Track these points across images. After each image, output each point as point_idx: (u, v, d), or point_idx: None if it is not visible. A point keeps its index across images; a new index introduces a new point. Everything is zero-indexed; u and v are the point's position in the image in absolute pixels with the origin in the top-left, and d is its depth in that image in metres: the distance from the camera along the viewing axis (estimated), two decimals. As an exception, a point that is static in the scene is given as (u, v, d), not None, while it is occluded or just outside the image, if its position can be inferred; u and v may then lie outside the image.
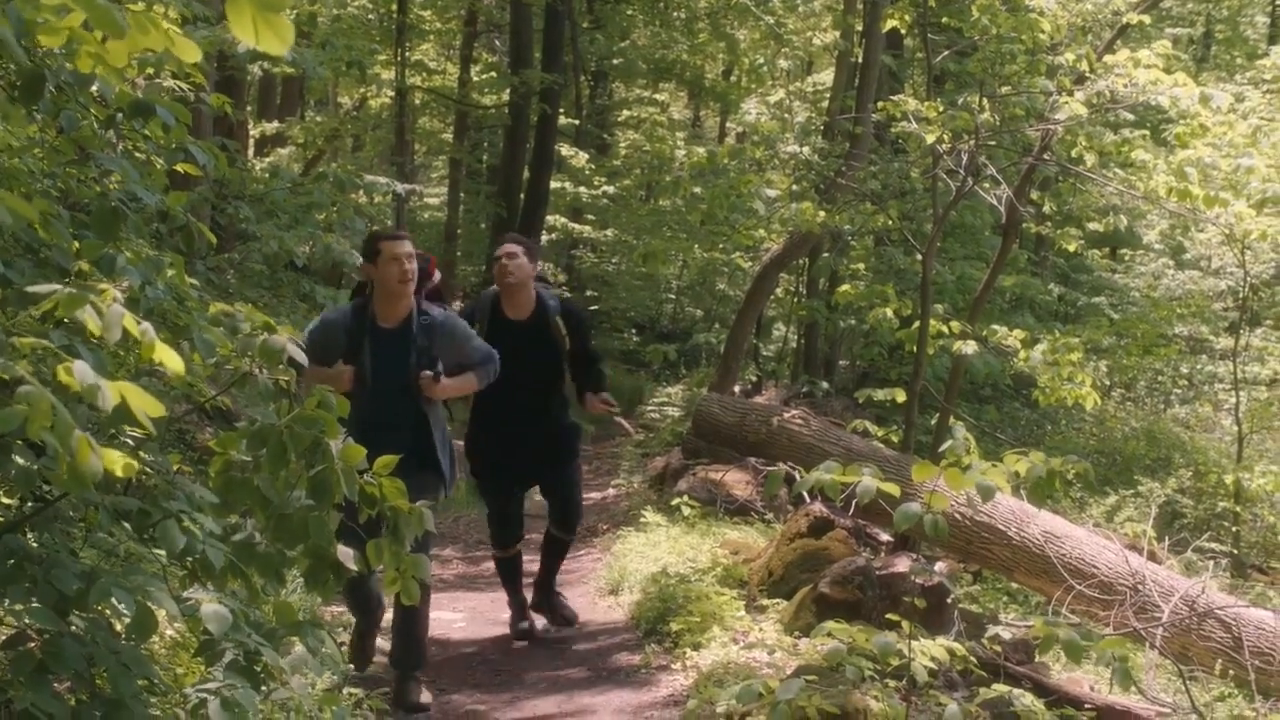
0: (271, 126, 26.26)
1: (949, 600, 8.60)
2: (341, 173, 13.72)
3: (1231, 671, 9.40)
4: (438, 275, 8.28)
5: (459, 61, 30.78)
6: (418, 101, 30.82)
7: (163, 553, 4.10)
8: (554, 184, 28.01)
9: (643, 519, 12.72)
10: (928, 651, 5.94)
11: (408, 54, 28.12)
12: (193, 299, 4.59)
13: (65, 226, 4.25)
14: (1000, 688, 6.20)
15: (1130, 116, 17.39)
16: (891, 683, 6.73)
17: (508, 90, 27.11)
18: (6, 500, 4.47)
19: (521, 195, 27.37)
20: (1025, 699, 6.01)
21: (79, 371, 3.09)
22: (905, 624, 5.88)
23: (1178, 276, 27.09)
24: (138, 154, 5.70)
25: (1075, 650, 5.01)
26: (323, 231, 12.57)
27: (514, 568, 9.45)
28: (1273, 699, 8.68)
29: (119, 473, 3.17)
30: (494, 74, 30.21)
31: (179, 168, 5.47)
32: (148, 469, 3.89)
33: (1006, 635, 6.92)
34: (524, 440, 9.01)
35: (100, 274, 3.89)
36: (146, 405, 3.21)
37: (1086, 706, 7.22)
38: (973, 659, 6.78)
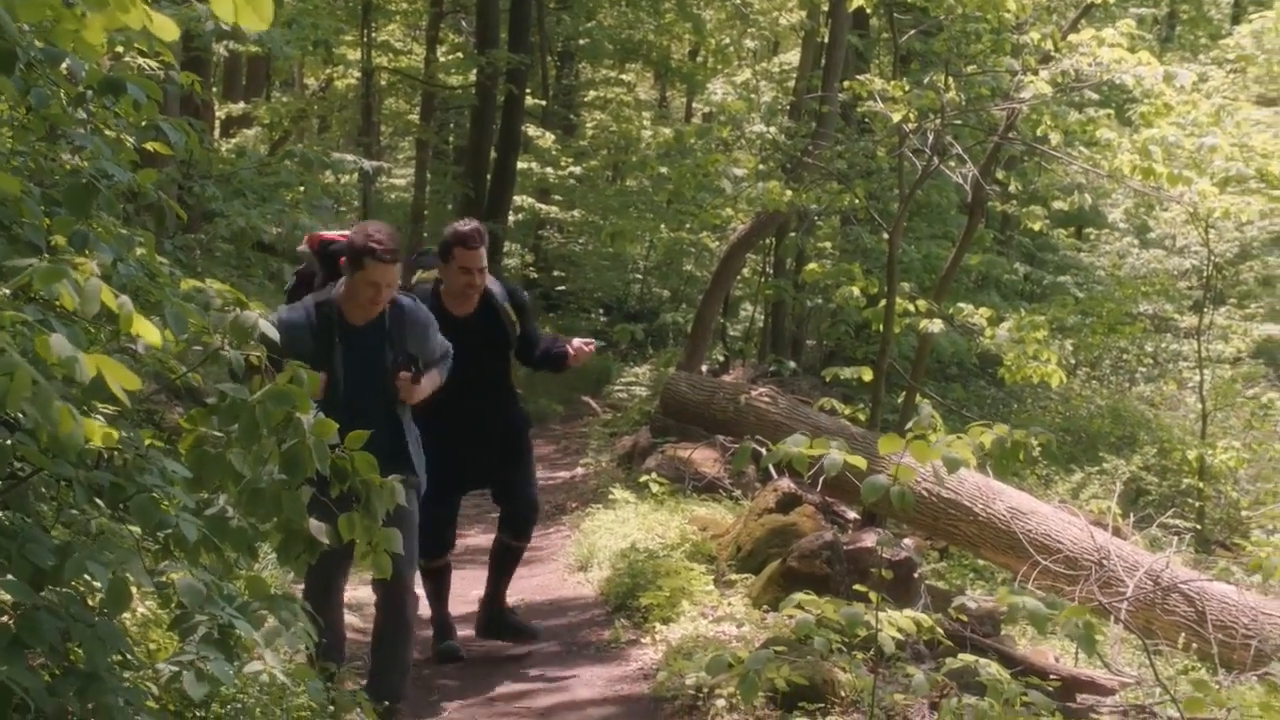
0: (238, 107, 26.19)
1: (915, 575, 8.68)
2: (309, 152, 13.72)
3: (1195, 645, 9.50)
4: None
5: (425, 42, 30.64)
6: (384, 82, 30.71)
7: (136, 529, 4.12)
8: (521, 164, 27.99)
9: (611, 496, 12.77)
10: (895, 623, 6.00)
11: (374, 34, 28.04)
12: (164, 275, 4.61)
13: (37, 204, 4.27)
14: (966, 658, 6.26)
15: (1095, 96, 17.48)
16: (859, 654, 6.80)
17: (474, 71, 27.05)
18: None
19: (488, 176, 27.34)
20: (990, 668, 6.07)
21: (56, 344, 3.13)
22: (873, 596, 5.94)
23: (1142, 255, 27.24)
24: (108, 132, 5.71)
25: (1040, 619, 5.08)
26: (290, 210, 12.57)
27: (444, 580, 8.47)
28: (1235, 671, 8.77)
29: (98, 442, 3.22)
30: (460, 54, 30.13)
31: (149, 146, 5.49)
32: (120, 445, 3.90)
33: (972, 605, 6.98)
34: (476, 441, 8.21)
35: (73, 249, 3.89)
36: (122, 378, 3.26)
37: (1051, 677, 7.30)
38: (939, 630, 6.85)
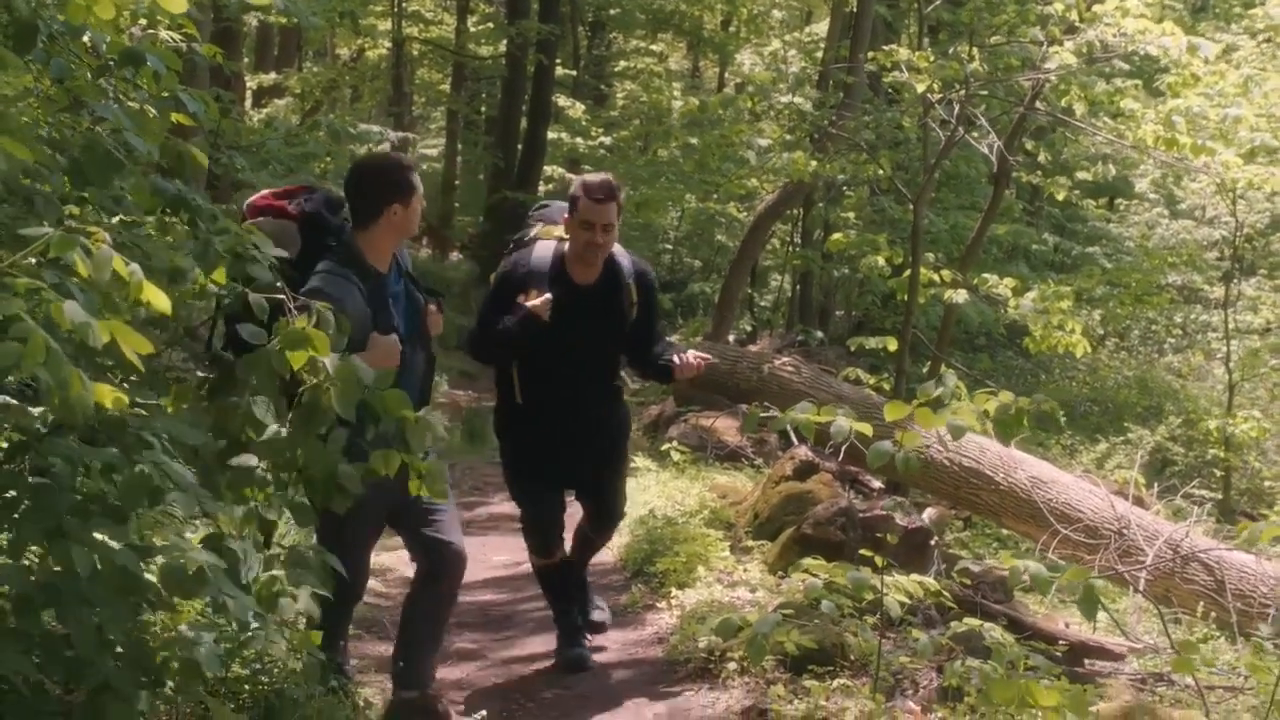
0: (269, 78, 26.33)
1: (931, 542, 8.75)
2: (338, 123, 13.82)
3: (1214, 614, 9.55)
4: None
5: (456, 12, 30.80)
6: (415, 52, 30.89)
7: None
8: (551, 135, 28.09)
9: (633, 464, 12.86)
10: (901, 587, 6.09)
11: (404, 4, 28.15)
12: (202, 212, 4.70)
13: (60, 173, 4.38)
14: (971, 622, 6.35)
15: (1125, 66, 17.44)
16: (869, 619, 6.90)
17: (505, 41, 27.19)
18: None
19: (519, 146, 27.49)
20: (995, 633, 6.16)
21: (69, 310, 3.24)
22: (879, 560, 6.03)
23: (1171, 226, 27.18)
24: (130, 103, 5.81)
25: (1042, 581, 5.16)
26: (318, 180, 12.66)
27: (561, 577, 7.69)
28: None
29: (108, 405, 3.32)
30: (491, 25, 30.25)
31: (173, 118, 5.59)
32: (129, 410, 3.98)
33: (975, 569, 7.09)
34: (577, 434, 7.25)
35: (96, 216, 3.97)
36: (135, 343, 3.36)
37: (1060, 642, 7.38)
38: (946, 594, 6.95)
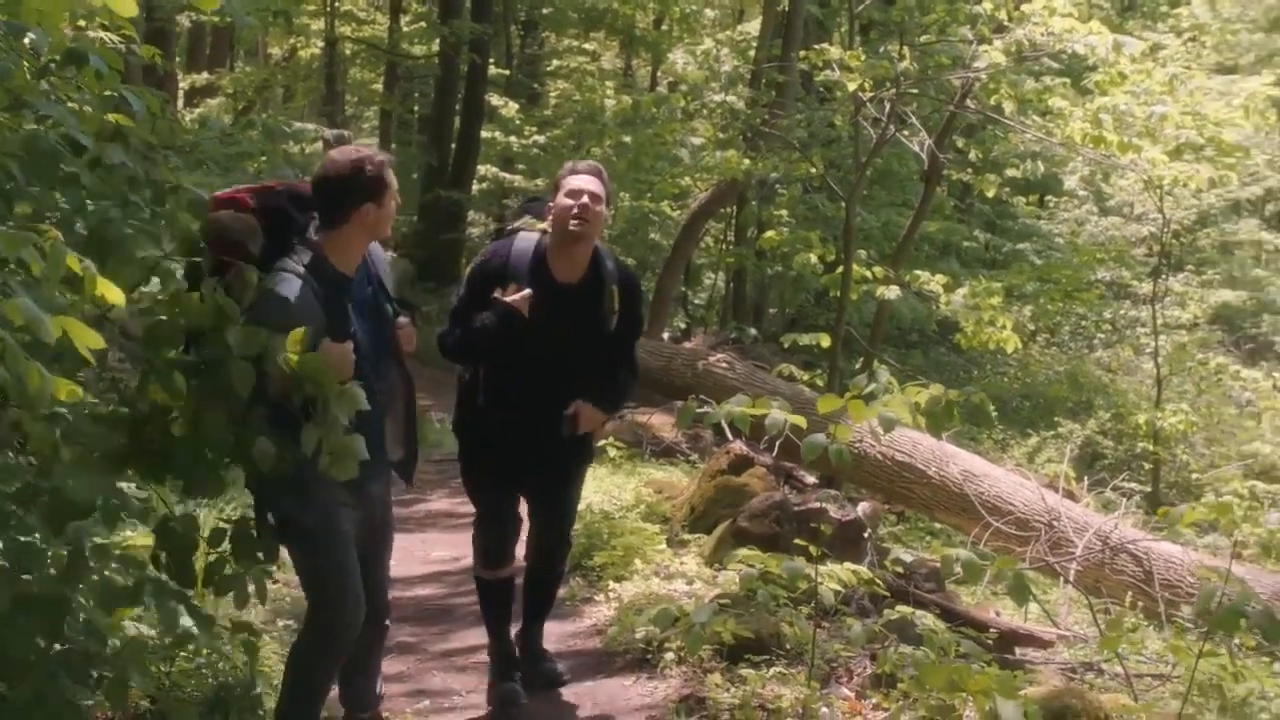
0: (201, 78, 26.27)
1: (865, 535, 8.88)
2: (273, 122, 13.82)
3: (1142, 603, 9.72)
4: None
5: (389, 11, 30.76)
6: (348, 52, 30.84)
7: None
8: (485, 134, 28.12)
9: (569, 461, 12.94)
10: (835, 575, 6.22)
11: (337, 4, 28.14)
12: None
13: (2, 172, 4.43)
14: (904, 610, 6.49)
15: (1056, 65, 17.67)
16: (804, 609, 7.02)
17: (437, 40, 27.19)
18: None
19: (452, 145, 27.49)
20: (927, 620, 6.31)
21: (23, 307, 3.31)
22: (813, 549, 6.14)
23: (1101, 223, 27.48)
24: (70, 103, 5.84)
25: (973, 569, 5.28)
26: (254, 179, 12.66)
27: (506, 596, 7.09)
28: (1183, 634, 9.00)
29: (63, 398, 3.40)
30: (424, 24, 30.22)
31: (111, 117, 5.63)
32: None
33: (908, 558, 7.22)
34: (540, 436, 6.65)
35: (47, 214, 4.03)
36: (86, 338, 3.44)
37: (991, 630, 7.53)
38: (879, 584, 7.08)
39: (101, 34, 7.38)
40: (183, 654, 5.59)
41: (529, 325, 6.39)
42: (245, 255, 5.19)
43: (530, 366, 6.51)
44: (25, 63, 5.11)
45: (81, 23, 6.28)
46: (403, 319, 5.72)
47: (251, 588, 4.63)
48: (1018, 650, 7.82)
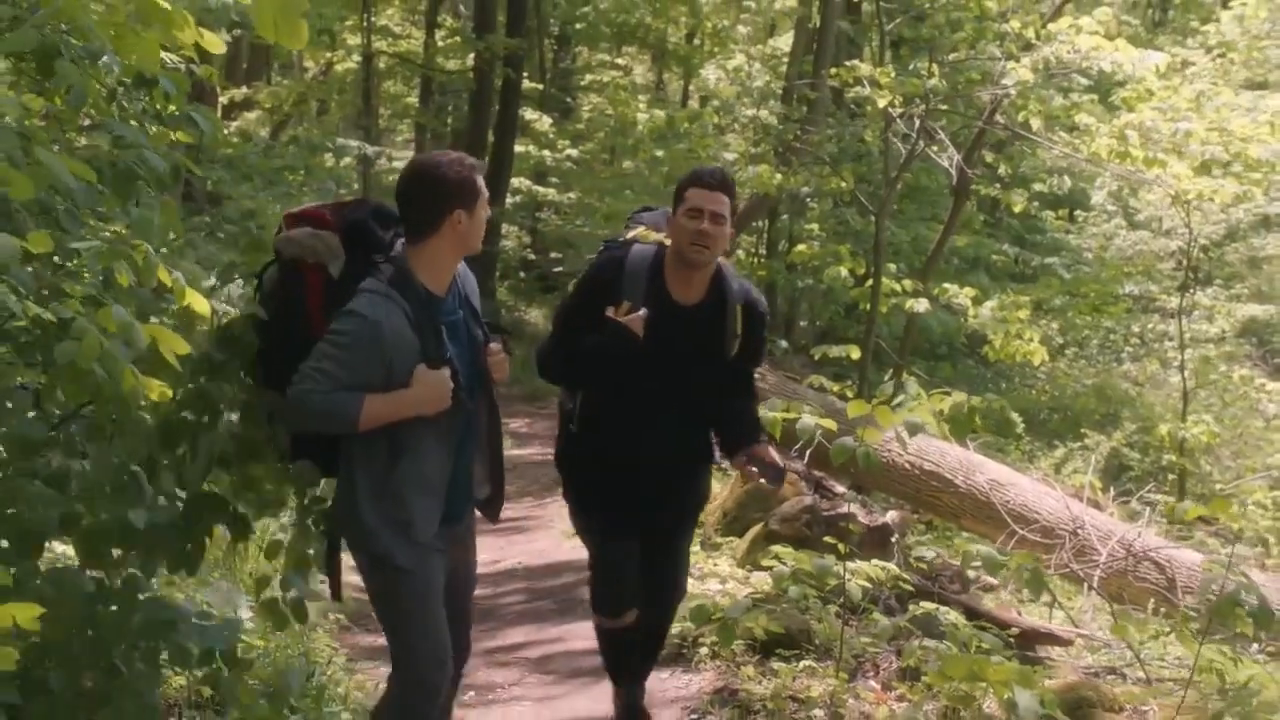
0: (240, 92, 26.60)
1: (892, 539, 9.16)
2: (314, 136, 14.14)
3: (1164, 609, 9.93)
4: None
5: (424, 26, 31.06)
6: (383, 66, 31.14)
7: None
8: (518, 147, 28.39)
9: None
10: (863, 572, 6.50)
11: (373, 19, 28.45)
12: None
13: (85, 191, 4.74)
14: (928, 606, 6.77)
15: (1085, 81, 17.88)
16: (833, 606, 7.31)
17: (472, 55, 27.49)
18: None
19: (486, 159, 27.78)
20: (950, 616, 6.59)
21: (116, 314, 3.63)
22: (841, 547, 6.42)
23: (1129, 237, 27.61)
24: (131, 122, 6.14)
25: (992, 563, 5.58)
26: (297, 193, 13.00)
27: (629, 645, 6.46)
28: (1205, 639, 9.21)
29: (154, 398, 3.71)
30: (458, 39, 30.53)
31: (173, 134, 5.94)
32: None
33: (930, 554, 7.50)
34: (650, 477, 6.05)
35: (139, 234, 4.29)
36: (174, 344, 3.76)
37: (1012, 629, 7.79)
38: (905, 581, 7.36)
39: (163, 53, 7.69)
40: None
41: (645, 348, 5.72)
42: (322, 276, 4.89)
43: (640, 395, 5.89)
44: (97, 84, 5.41)
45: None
46: (494, 345, 5.11)
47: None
48: (1039, 649, 8.07)
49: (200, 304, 3.85)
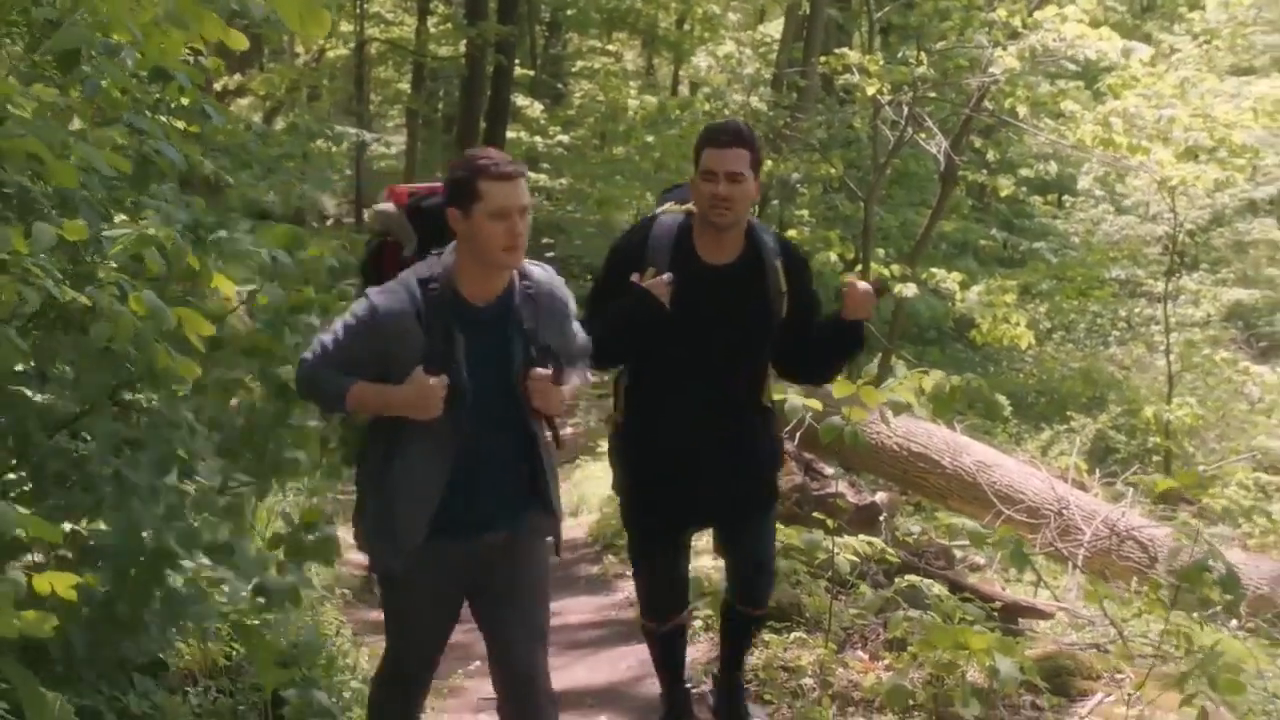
0: (233, 79, 26.75)
1: (880, 518, 9.39)
2: (312, 123, 14.29)
3: (1146, 588, 10.15)
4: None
5: (416, 13, 31.23)
6: (375, 52, 31.31)
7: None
8: (510, 134, 28.56)
9: (599, 449, 13.46)
10: (850, 546, 6.74)
11: (366, 5, 28.59)
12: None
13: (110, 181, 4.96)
14: (914, 579, 7.01)
15: (1073, 67, 18.12)
16: (822, 580, 7.56)
17: (464, 42, 27.64)
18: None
19: (478, 145, 27.95)
20: (935, 589, 6.83)
21: (147, 298, 3.86)
22: (829, 522, 6.66)
23: (1116, 222, 27.82)
24: (147, 113, 6.34)
25: (975, 537, 5.82)
26: (296, 180, 13.15)
27: (677, 645, 6.24)
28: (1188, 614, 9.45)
29: (188, 375, 3.94)
30: (450, 25, 30.69)
31: (180, 124, 6.15)
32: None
33: (915, 529, 7.74)
34: (705, 460, 5.68)
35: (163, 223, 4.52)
36: (198, 325, 4.00)
37: (995, 602, 8.03)
38: (890, 552, 7.60)
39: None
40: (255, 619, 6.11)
41: (680, 316, 5.45)
42: (398, 253, 4.96)
43: (682, 367, 5.59)
44: (121, 79, 5.61)
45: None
46: (539, 370, 4.66)
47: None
48: (1021, 622, 8.30)
49: (227, 287, 4.08)
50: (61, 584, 3.51)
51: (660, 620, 6.03)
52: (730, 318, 5.54)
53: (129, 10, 4.26)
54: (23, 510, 3.41)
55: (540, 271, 4.79)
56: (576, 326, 4.95)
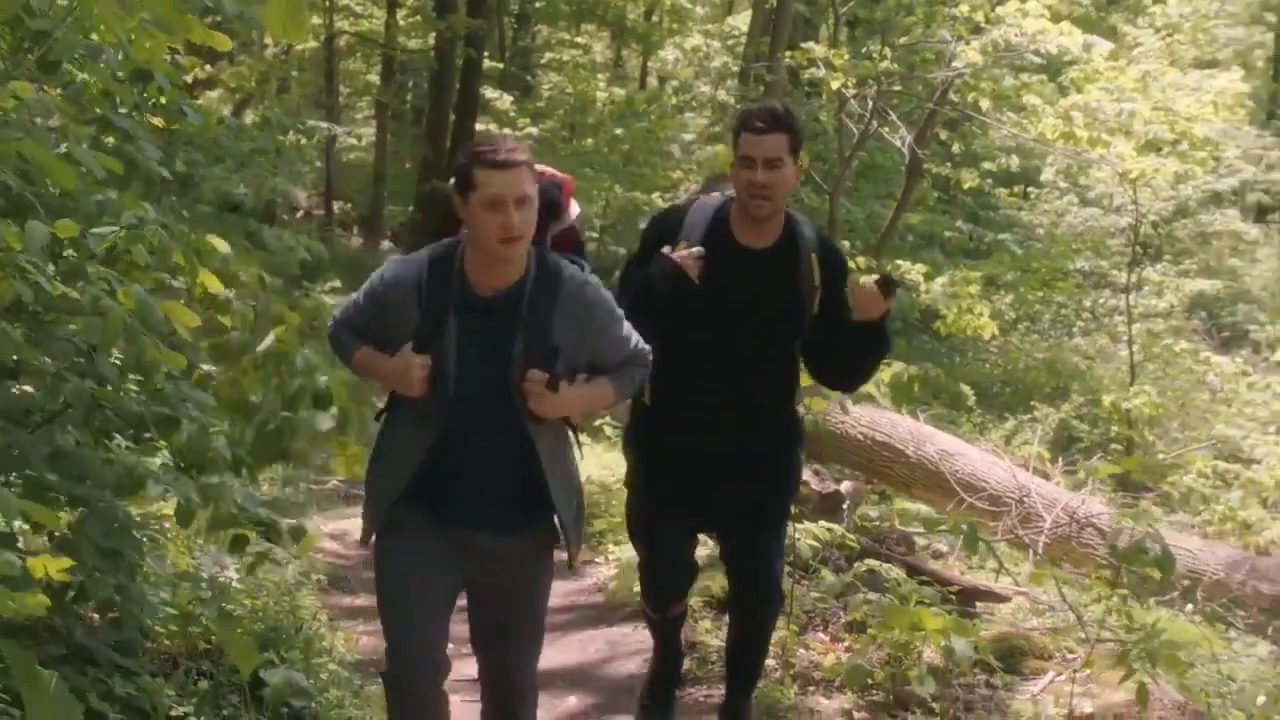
0: (202, 71, 26.77)
1: (843, 506, 9.59)
2: (283, 117, 14.38)
3: (1105, 574, 10.36)
4: (574, 210, 5.00)
5: (385, 6, 31.32)
6: (344, 45, 31.37)
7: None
8: (479, 126, 28.66)
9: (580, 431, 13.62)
10: (811, 532, 6.95)
11: (335, -1, 28.71)
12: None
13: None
14: (872, 563, 7.22)
15: (1037, 60, 18.35)
16: (788, 567, 7.76)
17: (433, 34, 27.75)
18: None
19: (447, 138, 28.08)
20: (894, 572, 7.04)
21: (135, 293, 4.04)
22: (793, 509, 6.85)
23: (1080, 214, 28.05)
24: (122, 111, 6.49)
25: (930, 522, 6.04)
26: (269, 174, 13.24)
27: (675, 630, 6.17)
28: (1144, 599, 9.68)
29: (175, 367, 4.12)
30: (419, 18, 30.79)
31: (158, 122, 6.32)
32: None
33: (874, 514, 7.95)
34: (723, 455, 5.53)
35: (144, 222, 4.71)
36: (184, 318, 4.18)
37: (953, 586, 8.24)
38: (849, 538, 7.80)
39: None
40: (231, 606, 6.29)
41: (710, 296, 5.33)
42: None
43: (709, 352, 5.44)
44: (101, 80, 5.76)
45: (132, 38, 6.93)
46: (535, 372, 4.43)
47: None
48: (978, 606, 8.51)
49: (214, 282, 4.26)
50: (54, 567, 3.69)
51: (657, 608, 5.99)
52: (761, 304, 5.40)
53: (117, 17, 4.41)
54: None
55: (573, 269, 4.63)
56: (625, 332, 4.70)
